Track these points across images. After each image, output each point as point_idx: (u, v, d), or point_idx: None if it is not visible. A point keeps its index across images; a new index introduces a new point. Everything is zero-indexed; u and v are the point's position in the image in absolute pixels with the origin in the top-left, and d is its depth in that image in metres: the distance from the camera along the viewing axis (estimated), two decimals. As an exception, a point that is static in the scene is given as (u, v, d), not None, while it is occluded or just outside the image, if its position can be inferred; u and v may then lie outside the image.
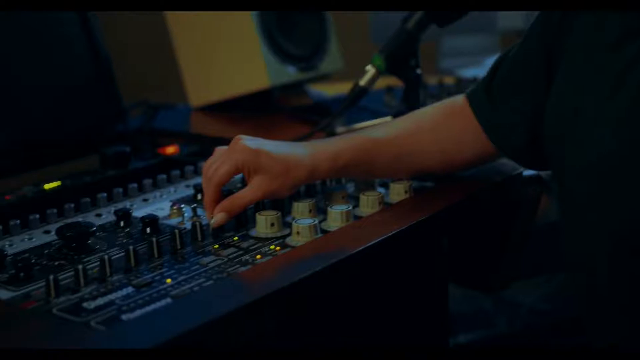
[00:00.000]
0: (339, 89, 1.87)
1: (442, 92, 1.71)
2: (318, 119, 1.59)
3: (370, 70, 1.35)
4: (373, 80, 1.35)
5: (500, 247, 1.31)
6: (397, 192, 1.14)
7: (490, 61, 2.15)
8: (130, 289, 0.90)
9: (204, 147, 1.46)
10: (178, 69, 1.71)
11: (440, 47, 2.16)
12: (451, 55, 2.09)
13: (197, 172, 1.28)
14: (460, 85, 1.77)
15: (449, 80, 1.86)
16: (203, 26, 1.65)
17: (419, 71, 1.35)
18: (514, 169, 1.20)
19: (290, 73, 1.63)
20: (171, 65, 1.75)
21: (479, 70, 2.03)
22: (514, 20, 2.01)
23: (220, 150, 1.10)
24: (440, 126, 1.15)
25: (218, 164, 1.06)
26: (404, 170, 1.15)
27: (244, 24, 1.58)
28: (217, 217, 1.04)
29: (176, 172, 1.25)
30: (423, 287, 1.24)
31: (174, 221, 1.10)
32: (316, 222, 1.03)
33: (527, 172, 1.22)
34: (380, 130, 1.15)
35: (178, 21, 1.68)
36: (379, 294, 1.19)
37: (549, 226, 1.32)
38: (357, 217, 1.08)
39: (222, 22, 1.62)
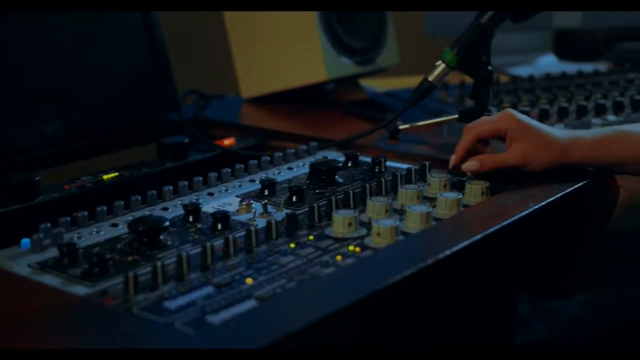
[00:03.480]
0: (390, 83, 1.83)
1: (499, 90, 1.66)
2: (374, 113, 1.55)
3: (440, 65, 1.30)
4: (442, 76, 1.31)
5: (569, 254, 1.26)
6: (474, 194, 1.10)
7: (542, 60, 2.12)
8: (210, 288, 0.86)
9: (261, 140, 1.42)
10: (230, 59, 1.66)
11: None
12: (501, 52, 2.04)
13: (260, 167, 1.24)
14: (516, 84, 1.72)
15: (504, 79, 1.81)
16: (259, 16, 1.60)
17: (490, 68, 1.30)
18: (589, 174, 1.16)
19: (347, 66, 1.58)
20: (222, 56, 1.71)
21: (532, 69, 1.99)
22: (570, 19, 1.96)
23: (486, 117, 1.19)
24: None
25: (483, 121, 1.16)
26: None
27: (303, 15, 1.53)
28: (470, 164, 1.14)
29: (240, 166, 1.21)
30: (492, 292, 1.20)
31: (243, 217, 1.06)
32: (397, 223, 0.98)
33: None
34: (637, 125, 1.17)
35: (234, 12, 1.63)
36: (451, 299, 1.14)
37: (620, 234, 1.28)
38: (435, 219, 1.04)
39: (279, 12, 1.57)
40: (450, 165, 1.16)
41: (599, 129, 1.18)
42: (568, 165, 1.14)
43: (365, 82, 1.79)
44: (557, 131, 1.15)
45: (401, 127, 1.39)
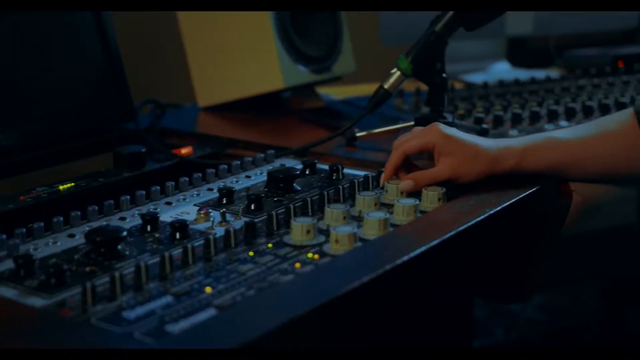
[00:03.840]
0: (346, 91, 1.84)
1: (454, 97, 1.68)
2: (331, 121, 1.56)
3: (395, 73, 1.32)
4: (398, 83, 1.32)
5: (524, 258, 1.28)
6: (431, 200, 1.11)
7: (496, 67, 2.15)
8: (169, 298, 0.86)
9: (218, 148, 1.42)
10: (186, 68, 1.66)
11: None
12: (455, 60, 2.06)
13: (218, 176, 1.24)
14: (471, 91, 1.75)
15: (459, 85, 1.83)
16: (215, 25, 1.61)
17: (444, 75, 1.32)
18: (543, 180, 1.18)
19: (304, 74, 1.59)
20: (180, 64, 1.71)
21: (486, 75, 2.01)
22: (523, 26, 1.99)
23: (418, 128, 1.18)
24: (630, 132, 1.17)
25: (411, 137, 1.15)
26: (588, 174, 1.18)
27: (259, 23, 1.54)
28: (405, 184, 1.12)
29: (198, 175, 1.21)
30: (450, 297, 1.22)
31: (201, 226, 1.06)
32: (355, 230, 0.99)
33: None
34: (564, 131, 1.20)
35: (190, 20, 1.63)
36: (409, 304, 1.15)
37: (574, 238, 1.30)
38: (392, 226, 1.05)
39: (235, 20, 1.58)
40: (381, 184, 1.16)
41: (527, 136, 1.19)
42: (500, 175, 1.15)
43: (322, 90, 1.80)
44: (486, 141, 1.16)
45: (358, 134, 1.40)
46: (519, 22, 1.98)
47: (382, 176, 1.16)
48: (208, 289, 0.88)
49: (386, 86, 1.33)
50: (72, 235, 1.01)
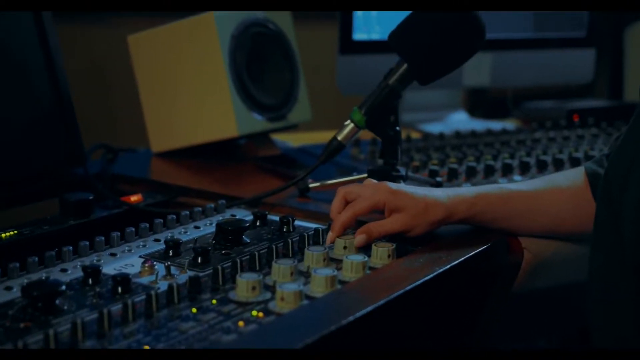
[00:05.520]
0: (303, 138, 1.83)
1: (410, 147, 1.68)
2: (285, 170, 1.54)
3: (349, 125, 1.31)
4: (351, 135, 1.31)
5: (475, 315, 1.27)
6: (380, 256, 1.10)
7: (454, 117, 2.15)
8: (105, 358, 0.83)
9: (169, 196, 1.40)
10: (139, 112, 1.64)
11: (402, 101, 2.14)
12: (412, 109, 2.07)
13: (166, 226, 1.21)
14: (427, 142, 1.74)
15: (415, 135, 1.83)
16: (170, 71, 1.59)
17: (398, 128, 1.31)
18: (494, 237, 1.17)
19: (258, 122, 1.58)
20: (130, 109, 1.69)
21: (443, 125, 2.02)
22: (480, 77, 2.01)
23: (369, 183, 1.18)
24: (580, 190, 1.19)
25: (362, 196, 1.15)
26: (538, 227, 1.19)
27: (214, 70, 1.53)
28: (359, 239, 1.11)
29: (145, 225, 1.18)
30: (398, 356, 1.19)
31: (145, 280, 1.03)
32: (302, 287, 0.97)
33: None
34: (516, 184, 1.23)
35: (144, 64, 1.62)
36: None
37: (526, 295, 1.29)
38: (340, 282, 1.03)
39: (190, 67, 1.57)
40: (328, 242, 1.14)
41: (479, 186, 1.20)
42: (452, 223, 1.16)
43: (278, 137, 1.79)
44: (436, 191, 1.16)
45: (311, 185, 1.38)
46: (477, 74, 1.99)
47: (330, 235, 1.14)
48: (146, 348, 0.85)
49: (339, 138, 1.32)
50: (9, 288, 0.98)
